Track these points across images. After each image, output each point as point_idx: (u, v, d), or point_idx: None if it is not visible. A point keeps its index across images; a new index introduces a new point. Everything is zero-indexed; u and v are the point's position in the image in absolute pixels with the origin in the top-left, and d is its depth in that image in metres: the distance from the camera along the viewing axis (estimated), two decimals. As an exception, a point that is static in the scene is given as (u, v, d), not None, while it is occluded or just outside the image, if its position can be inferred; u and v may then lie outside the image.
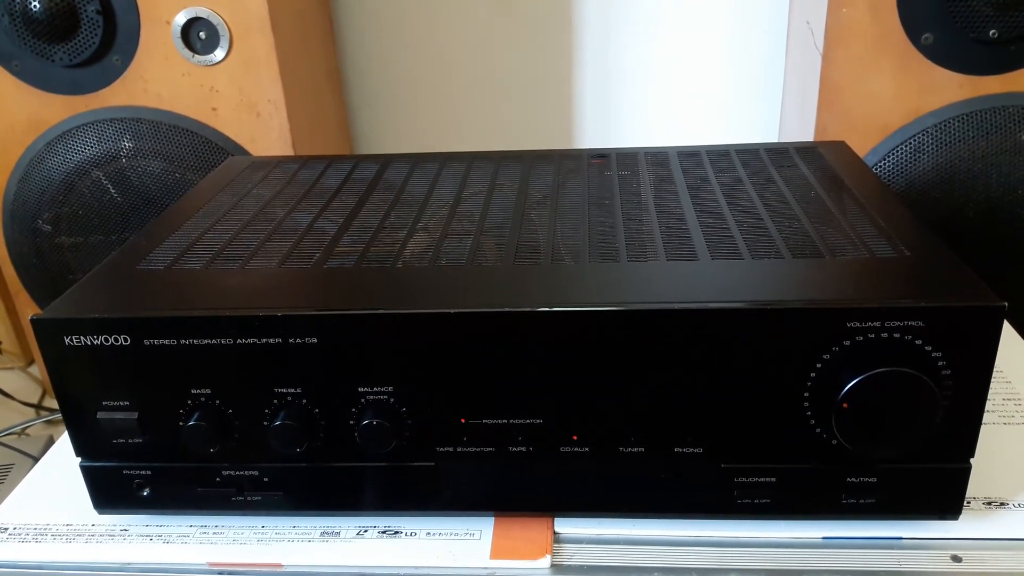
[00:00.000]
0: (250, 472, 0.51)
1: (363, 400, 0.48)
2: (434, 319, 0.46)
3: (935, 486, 0.48)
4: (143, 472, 0.51)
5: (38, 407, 1.20)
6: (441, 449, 0.49)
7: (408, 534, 0.52)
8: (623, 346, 0.46)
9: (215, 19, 0.94)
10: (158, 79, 0.98)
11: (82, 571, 0.51)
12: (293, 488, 0.51)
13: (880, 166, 0.93)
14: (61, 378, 0.49)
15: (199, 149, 0.99)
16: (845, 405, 0.44)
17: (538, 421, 0.48)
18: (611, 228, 0.56)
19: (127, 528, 0.53)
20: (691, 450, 0.48)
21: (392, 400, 0.48)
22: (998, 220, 0.92)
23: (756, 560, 0.49)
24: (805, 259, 0.50)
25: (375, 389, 0.48)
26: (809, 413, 0.46)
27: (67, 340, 0.47)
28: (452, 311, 0.46)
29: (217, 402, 0.49)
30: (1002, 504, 0.51)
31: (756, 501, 0.49)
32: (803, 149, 0.70)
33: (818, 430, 0.47)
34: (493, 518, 0.52)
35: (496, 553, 0.50)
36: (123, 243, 0.63)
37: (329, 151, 1.17)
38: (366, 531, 0.52)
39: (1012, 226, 0.92)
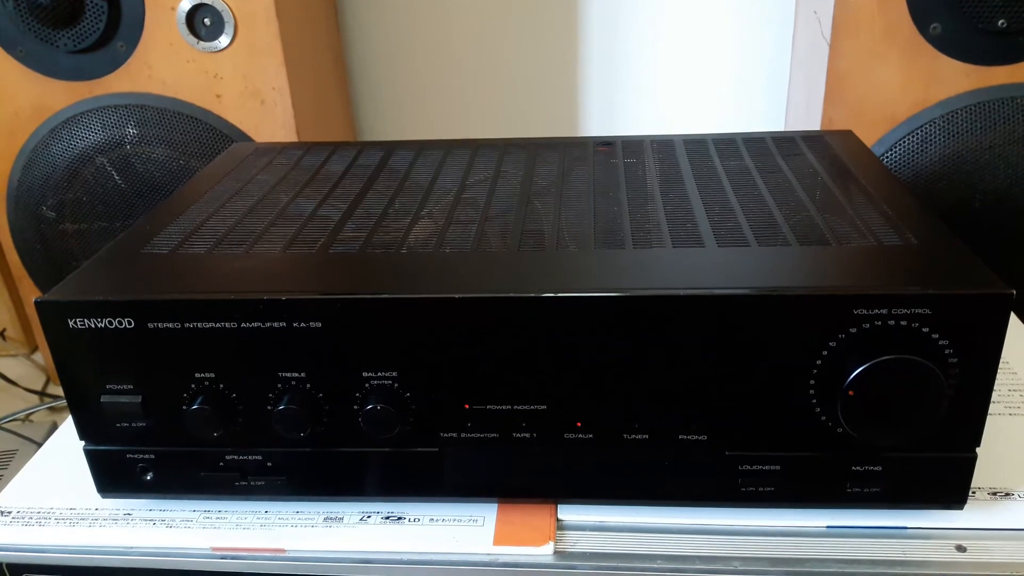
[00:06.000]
0: (254, 457, 0.51)
1: (367, 385, 0.48)
2: (438, 304, 0.46)
3: (940, 475, 0.48)
4: (147, 456, 0.51)
5: (42, 394, 1.21)
6: (445, 435, 0.49)
7: (411, 520, 0.52)
8: (628, 332, 0.45)
9: (220, 5, 0.94)
10: (162, 66, 0.97)
11: (85, 555, 0.51)
12: (296, 473, 0.51)
13: (887, 156, 0.93)
14: (65, 361, 0.49)
15: (203, 136, 0.99)
16: (851, 393, 0.44)
17: (542, 407, 0.48)
18: (616, 215, 0.56)
19: (130, 512, 0.53)
20: (695, 437, 0.48)
21: (396, 385, 0.48)
22: (1005, 211, 0.91)
23: (760, 548, 0.49)
24: (811, 246, 0.49)
25: (379, 374, 0.48)
26: (815, 401, 0.46)
27: (71, 323, 0.47)
28: (456, 296, 0.45)
29: (221, 386, 0.49)
30: (1007, 494, 0.51)
31: (760, 489, 0.49)
32: (810, 138, 0.70)
33: (823, 418, 0.47)
34: (496, 504, 0.52)
35: (499, 539, 0.50)
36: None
37: (333, 138, 1.16)
38: (369, 517, 0.52)
39: (1019, 217, 0.91)
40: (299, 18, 1.03)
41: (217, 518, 0.53)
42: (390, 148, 0.72)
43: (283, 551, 0.50)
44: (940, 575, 0.47)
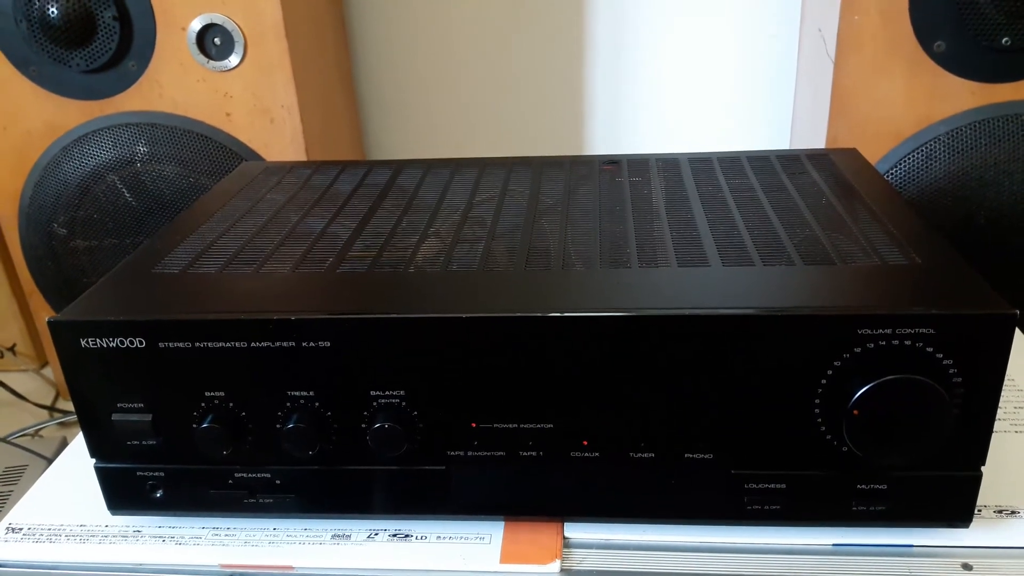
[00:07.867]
0: (262, 474, 0.51)
1: (375, 403, 0.48)
2: (445, 324, 0.46)
3: (946, 494, 0.48)
4: (156, 474, 0.52)
5: (51, 409, 1.21)
6: (452, 453, 0.50)
7: (418, 538, 0.52)
8: (634, 351, 0.46)
9: (230, 25, 0.95)
10: (173, 84, 0.99)
11: (95, 571, 0.52)
12: (305, 491, 0.52)
13: (891, 173, 0.93)
14: (76, 380, 0.49)
15: (213, 154, 1.00)
16: (856, 412, 0.44)
17: (548, 426, 0.48)
18: (622, 234, 0.56)
19: (140, 529, 0.54)
20: (701, 456, 0.48)
21: (403, 404, 0.48)
22: (1009, 228, 0.91)
23: (766, 567, 0.49)
24: (816, 266, 0.50)
25: (387, 393, 0.48)
26: (820, 420, 0.46)
27: (83, 342, 0.48)
28: (463, 316, 0.46)
29: (230, 405, 0.49)
30: (1013, 512, 0.51)
31: (766, 507, 0.49)
32: (814, 156, 0.70)
33: (828, 437, 0.47)
34: (503, 522, 0.53)
35: (506, 557, 0.50)
36: (137, 247, 0.63)
37: (342, 156, 1.17)
38: (377, 534, 0.52)
39: (1023, 234, 0.92)
40: (307, 36, 1.04)
41: (226, 535, 0.53)
42: (398, 167, 0.73)
43: (291, 568, 0.51)
44: (946, 594, 0.47)
